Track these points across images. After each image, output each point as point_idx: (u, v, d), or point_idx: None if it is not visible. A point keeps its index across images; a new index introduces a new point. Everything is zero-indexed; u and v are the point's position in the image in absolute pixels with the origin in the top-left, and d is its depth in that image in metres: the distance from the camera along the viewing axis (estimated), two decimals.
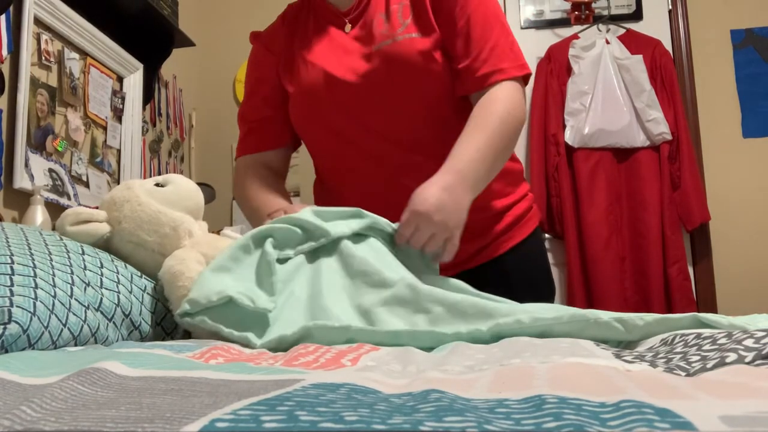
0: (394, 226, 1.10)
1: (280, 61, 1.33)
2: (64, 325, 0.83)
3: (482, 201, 1.26)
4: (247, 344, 0.89)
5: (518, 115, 1.18)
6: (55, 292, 0.85)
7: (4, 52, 1.69)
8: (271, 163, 1.36)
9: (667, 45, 2.93)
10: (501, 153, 1.16)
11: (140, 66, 2.40)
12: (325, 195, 1.37)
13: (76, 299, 0.89)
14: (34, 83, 1.82)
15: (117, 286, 1.00)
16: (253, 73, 1.38)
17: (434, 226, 1.06)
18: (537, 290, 1.29)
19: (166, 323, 1.06)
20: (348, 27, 1.26)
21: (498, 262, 1.29)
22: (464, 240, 1.23)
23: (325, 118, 1.27)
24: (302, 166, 1.47)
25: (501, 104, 1.16)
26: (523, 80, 1.23)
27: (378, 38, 1.21)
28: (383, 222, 1.09)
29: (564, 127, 2.86)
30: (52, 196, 1.79)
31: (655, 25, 2.99)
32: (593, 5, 2.99)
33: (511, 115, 1.16)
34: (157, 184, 1.15)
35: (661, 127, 2.78)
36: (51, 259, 0.92)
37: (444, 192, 1.07)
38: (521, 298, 1.06)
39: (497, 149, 1.14)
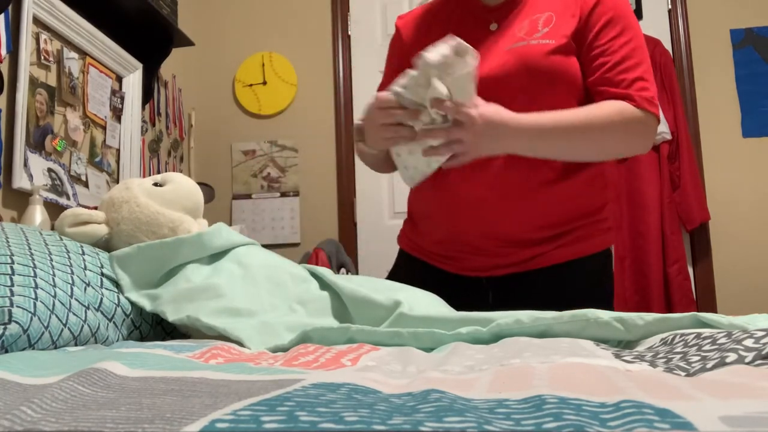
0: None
1: (411, 51, 1.31)
2: (65, 325, 0.83)
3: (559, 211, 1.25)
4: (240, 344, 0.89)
5: (629, 144, 1.20)
6: (55, 292, 0.85)
7: (3, 52, 1.69)
8: None
9: (667, 45, 2.93)
10: (571, 150, 1.17)
11: (139, 65, 2.40)
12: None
13: (76, 299, 0.89)
14: (33, 83, 1.82)
15: (117, 286, 1.00)
16: (389, 56, 1.43)
17: (473, 137, 1.06)
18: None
19: (166, 323, 1.06)
20: (494, 26, 1.29)
21: (551, 272, 1.25)
22: (521, 245, 1.22)
23: None
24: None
25: (623, 121, 1.16)
26: (656, 119, 1.22)
27: (514, 39, 1.24)
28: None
29: None
30: (51, 196, 1.79)
31: (654, 24, 2.98)
32: None
33: (621, 140, 1.18)
34: (155, 184, 1.15)
35: (661, 127, 2.77)
36: (51, 259, 0.92)
37: (506, 128, 1.09)
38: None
39: (571, 145, 1.16)
